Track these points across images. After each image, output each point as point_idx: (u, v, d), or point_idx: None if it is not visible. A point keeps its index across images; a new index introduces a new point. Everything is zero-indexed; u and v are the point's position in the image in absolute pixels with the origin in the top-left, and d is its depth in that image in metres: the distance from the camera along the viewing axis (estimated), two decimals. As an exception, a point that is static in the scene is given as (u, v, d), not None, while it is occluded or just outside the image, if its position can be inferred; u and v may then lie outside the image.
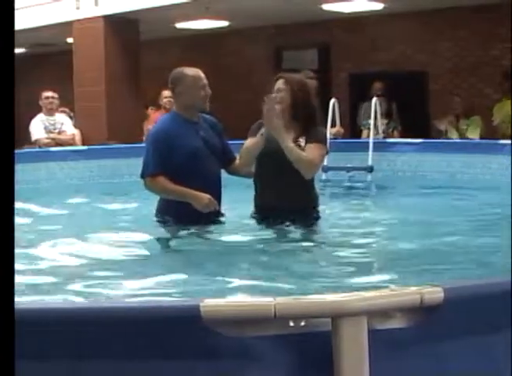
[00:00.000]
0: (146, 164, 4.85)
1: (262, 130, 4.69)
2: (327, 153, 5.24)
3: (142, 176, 4.87)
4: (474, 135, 10.05)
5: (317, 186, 5.16)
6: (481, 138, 9.87)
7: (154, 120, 10.40)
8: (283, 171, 4.70)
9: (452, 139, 9.97)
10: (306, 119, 4.80)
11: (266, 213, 4.88)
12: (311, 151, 4.71)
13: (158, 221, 4.97)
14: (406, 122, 10.92)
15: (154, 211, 5.01)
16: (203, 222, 4.83)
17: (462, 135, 9.96)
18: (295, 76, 5.00)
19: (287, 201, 4.77)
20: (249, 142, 4.80)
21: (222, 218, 5.01)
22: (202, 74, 4.87)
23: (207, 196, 4.72)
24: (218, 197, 4.93)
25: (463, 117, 10.21)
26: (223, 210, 5.02)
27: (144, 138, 11.05)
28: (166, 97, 10.33)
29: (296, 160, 4.64)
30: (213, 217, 4.90)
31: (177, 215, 4.83)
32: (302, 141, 4.76)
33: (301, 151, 4.68)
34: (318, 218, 5.01)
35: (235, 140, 5.25)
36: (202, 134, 4.86)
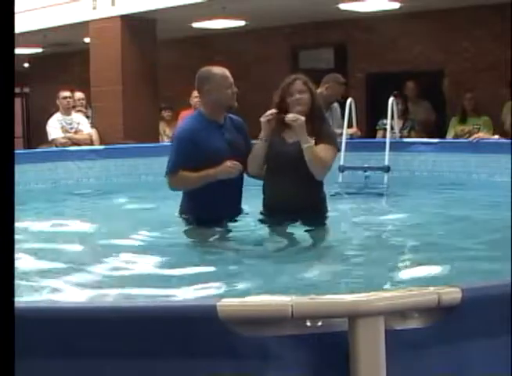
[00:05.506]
0: (168, 163, 4.80)
1: (261, 134, 4.72)
2: (338, 150, 5.26)
3: (166, 175, 4.81)
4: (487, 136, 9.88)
5: (335, 186, 5.16)
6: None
7: (182, 118, 10.37)
8: (289, 171, 4.71)
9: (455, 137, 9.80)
10: (317, 119, 4.82)
11: (274, 213, 4.88)
12: (324, 152, 4.71)
13: (181, 220, 4.96)
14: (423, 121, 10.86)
15: (177, 213, 5.00)
16: (225, 221, 4.88)
17: (471, 135, 9.73)
18: (306, 77, 4.96)
19: (294, 201, 4.75)
20: (254, 147, 4.84)
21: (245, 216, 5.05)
22: (229, 73, 4.87)
23: (227, 163, 4.66)
24: (238, 197, 4.96)
25: (471, 115, 9.98)
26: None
27: (161, 138, 11.07)
28: (196, 97, 10.21)
29: (313, 159, 4.64)
30: (234, 216, 4.95)
31: (199, 215, 4.83)
32: (312, 140, 4.75)
33: (318, 152, 4.67)
34: (326, 217, 4.99)
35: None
36: (227, 136, 4.83)
